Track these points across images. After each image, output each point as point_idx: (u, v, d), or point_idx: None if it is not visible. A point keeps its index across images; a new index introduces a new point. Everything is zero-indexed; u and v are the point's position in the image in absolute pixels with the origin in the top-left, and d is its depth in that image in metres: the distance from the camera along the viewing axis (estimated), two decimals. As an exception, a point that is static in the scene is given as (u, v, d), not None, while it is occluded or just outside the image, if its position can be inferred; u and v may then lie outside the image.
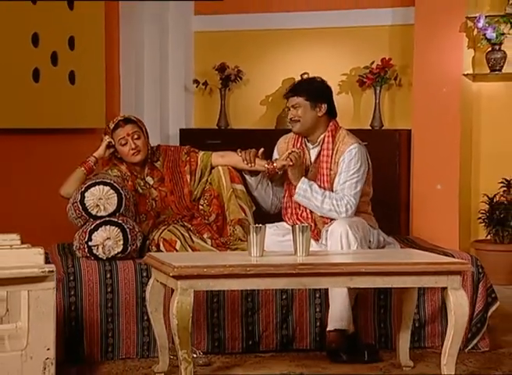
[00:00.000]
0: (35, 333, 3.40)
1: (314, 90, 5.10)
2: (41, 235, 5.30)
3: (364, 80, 7.41)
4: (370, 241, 4.91)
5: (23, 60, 6.46)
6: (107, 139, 5.21)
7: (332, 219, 4.92)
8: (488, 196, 7.15)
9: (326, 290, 4.78)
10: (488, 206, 7.14)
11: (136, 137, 5.17)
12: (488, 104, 7.34)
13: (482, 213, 7.17)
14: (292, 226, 4.36)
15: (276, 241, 4.83)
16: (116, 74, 7.45)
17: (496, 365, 4.62)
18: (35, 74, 6.55)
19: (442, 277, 4.11)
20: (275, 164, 5.08)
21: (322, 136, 5.06)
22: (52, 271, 3.41)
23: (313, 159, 5.09)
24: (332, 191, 4.98)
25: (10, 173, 6.44)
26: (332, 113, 5.13)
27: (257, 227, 4.23)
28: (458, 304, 4.08)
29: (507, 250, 6.98)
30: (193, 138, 7.25)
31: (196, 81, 7.95)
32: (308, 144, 5.15)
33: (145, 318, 4.71)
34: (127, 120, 5.24)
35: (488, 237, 7.17)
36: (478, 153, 7.37)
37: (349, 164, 4.96)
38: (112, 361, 4.65)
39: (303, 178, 4.97)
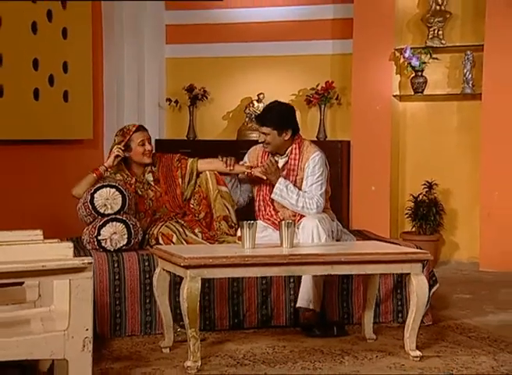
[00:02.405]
0: (76, 315, 3.25)
1: (279, 120, 4.94)
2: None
3: (311, 99, 7.37)
4: (332, 232, 4.84)
5: (26, 81, 6.38)
6: (116, 151, 5.02)
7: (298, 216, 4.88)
8: (413, 195, 7.15)
9: (299, 276, 4.71)
10: (413, 204, 7.14)
11: (149, 142, 5.09)
12: (412, 120, 7.35)
13: (408, 210, 7.17)
14: (279, 222, 4.30)
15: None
16: (101, 94, 7.32)
17: (440, 336, 4.60)
18: (35, 93, 6.46)
19: (407, 265, 4.09)
20: (252, 172, 4.99)
21: (290, 148, 4.98)
22: (91, 263, 3.26)
23: (280, 166, 4.99)
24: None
25: (15, 175, 6.31)
26: (296, 130, 5.05)
27: (249, 223, 4.16)
28: (419, 286, 4.07)
29: (429, 240, 6.99)
30: (166, 148, 7.09)
31: (168, 100, 7.83)
32: (276, 155, 5.04)
33: (147, 301, 4.61)
34: (143, 127, 5.15)
35: (413, 230, 7.17)
36: (404, 160, 7.37)
37: (313, 169, 4.92)
38: (121, 338, 4.53)
39: (280, 179, 4.89)
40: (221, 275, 3.99)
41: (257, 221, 4.99)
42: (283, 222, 4.19)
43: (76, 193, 4.93)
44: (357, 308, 4.82)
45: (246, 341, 4.47)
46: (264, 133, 4.94)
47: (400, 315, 4.89)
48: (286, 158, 4.99)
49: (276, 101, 5.16)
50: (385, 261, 4.05)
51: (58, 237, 5.23)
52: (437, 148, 7.25)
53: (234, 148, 6.87)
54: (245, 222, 4.18)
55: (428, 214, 7.06)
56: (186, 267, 3.83)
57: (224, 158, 5.07)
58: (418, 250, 4.34)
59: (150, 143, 5.09)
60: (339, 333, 4.56)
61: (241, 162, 5.12)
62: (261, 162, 5.03)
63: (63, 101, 6.74)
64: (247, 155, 5.18)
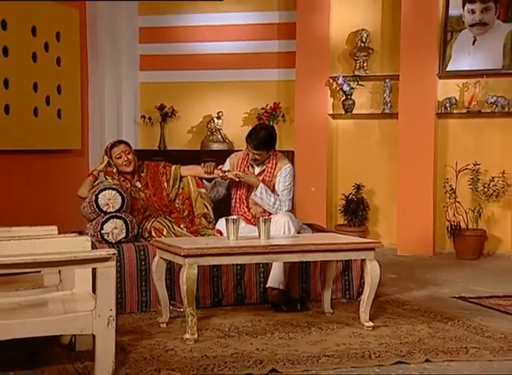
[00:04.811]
0: (101, 298, 3.15)
1: (269, 144, 4.82)
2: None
3: (262, 117, 7.32)
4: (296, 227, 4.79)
5: (27, 101, 6.29)
6: (106, 159, 4.92)
7: (267, 213, 4.80)
8: (344, 195, 7.17)
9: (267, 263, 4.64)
10: (344, 202, 7.16)
11: (127, 153, 4.92)
12: (343, 134, 7.36)
13: (341, 207, 7.19)
14: (257, 218, 4.24)
15: None
16: (87, 112, 7.19)
17: (383, 309, 4.58)
18: (35, 111, 6.37)
19: (362, 252, 4.07)
20: (226, 174, 4.90)
21: (268, 159, 4.90)
22: (115, 253, 3.16)
23: (257, 173, 4.91)
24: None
25: (18, 178, 6.22)
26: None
27: (233, 219, 4.09)
28: (373, 270, 4.05)
29: (357, 231, 6.89)
30: (141, 156, 6.93)
31: (142, 116, 7.70)
32: (253, 162, 4.93)
33: (143, 284, 4.51)
34: (121, 141, 5.01)
35: (345, 222, 7.19)
36: (336, 166, 7.37)
37: (285, 178, 4.86)
38: (122, 315, 4.38)
39: (261, 184, 4.79)
40: (213, 262, 3.91)
41: (233, 216, 4.93)
42: (261, 218, 4.12)
43: (81, 193, 4.79)
44: (314, 288, 4.77)
45: (227, 316, 4.39)
46: (255, 154, 4.82)
47: (347, 292, 4.87)
48: (264, 167, 4.90)
49: (262, 126, 5.05)
50: (346, 249, 4.02)
51: (60, 232, 5.13)
52: (363, 157, 7.28)
53: (198, 157, 6.80)
54: (230, 218, 4.11)
55: (356, 210, 7.09)
56: (185, 256, 3.75)
57: (204, 165, 4.95)
58: (371, 240, 4.33)
59: (127, 154, 4.90)
60: (302, 308, 4.52)
61: (220, 166, 4.99)
62: (240, 167, 4.93)
63: (57, 117, 6.69)
64: (228, 160, 5.03)
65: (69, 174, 6.81)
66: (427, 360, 3.52)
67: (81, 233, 4.78)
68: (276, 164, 4.89)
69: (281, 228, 4.56)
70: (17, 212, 6.05)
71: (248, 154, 4.89)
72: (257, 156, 4.83)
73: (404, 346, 3.74)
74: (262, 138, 4.79)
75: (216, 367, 3.36)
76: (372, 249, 4.05)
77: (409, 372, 3.37)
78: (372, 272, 4.03)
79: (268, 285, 4.62)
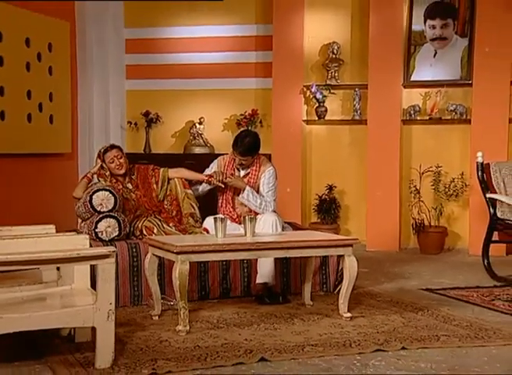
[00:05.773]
0: (101, 292, 3.12)
1: (254, 150, 4.77)
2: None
3: (241, 122, 7.28)
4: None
5: (21, 108, 6.20)
6: (99, 163, 4.86)
7: (253, 212, 4.77)
8: (318, 195, 7.15)
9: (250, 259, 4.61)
10: (318, 201, 7.14)
11: (119, 157, 4.86)
12: (316, 138, 7.34)
13: (315, 206, 7.18)
14: (243, 217, 4.21)
15: None
16: (76, 118, 7.10)
17: (358, 301, 4.58)
18: (29, 117, 6.28)
19: (341, 248, 4.07)
20: (211, 180, 4.84)
21: (253, 162, 4.85)
22: (115, 251, 3.13)
23: (242, 175, 4.87)
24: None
25: (13, 179, 6.14)
26: None
27: (221, 218, 4.06)
28: (351, 265, 4.06)
29: (330, 228, 6.89)
30: (128, 160, 6.91)
31: (128, 122, 7.61)
32: (239, 166, 4.88)
33: (135, 279, 4.47)
34: (113, 146, 4.94)
35: (318, 221, 7.17)
36: (310, 168, 7.35)
37: (269, 180, 4.83)
38: (115, 308, 4.32)
39: (247, 187, 4.75)
40: (205, 259, 3.88)
41: (219, 215, 4.88)
42: (247, 216, 4.09)
43: (76, 194, 4.72)
44: (294, 282, 4.76)
45: (214, 308, 4.37)
46: (242, 159, 4.77)
47: (324, 286, 4.87)
48: (249, 170, 4.87)
49: (246, 133, 4.89)
50: (327, 246, 4.03)
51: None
52: (335, 160, 7.26)
53: (181, 160, 6.75)
54: (218, 217, 4.08)
55: (329, 209, 7.08)
56: (178, 253, 3.71)
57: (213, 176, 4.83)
58: (349, 237, 4.34)
59: (119, 158, 4.84)
60: (283, 301, 4.50)
61: (207, 170, 4.95)
62: (227, 170, 4.89)
63: (49, 123, 6.60)
64: (216, 162, 4.96)
65: (60, 176, 6.75)
66: (403, 348, 3.54)
67: (75, 231, 4.76)
68: (260, 167, 4.86)
69: (269, 227, 4.53)
70: (12, 211, 5.97)
71: (234, 159, 4.85)
72: (243, 162, 4.80)
73: (381, 335, 3.75)
74: (248, 145, 4.73)
75: (209, 357, 3.34)
76: (350, 245, 4.05)
77: (387, 359, 3.39)
78: (350, 267, 4.03)
79: (258, 282, 4.58)
